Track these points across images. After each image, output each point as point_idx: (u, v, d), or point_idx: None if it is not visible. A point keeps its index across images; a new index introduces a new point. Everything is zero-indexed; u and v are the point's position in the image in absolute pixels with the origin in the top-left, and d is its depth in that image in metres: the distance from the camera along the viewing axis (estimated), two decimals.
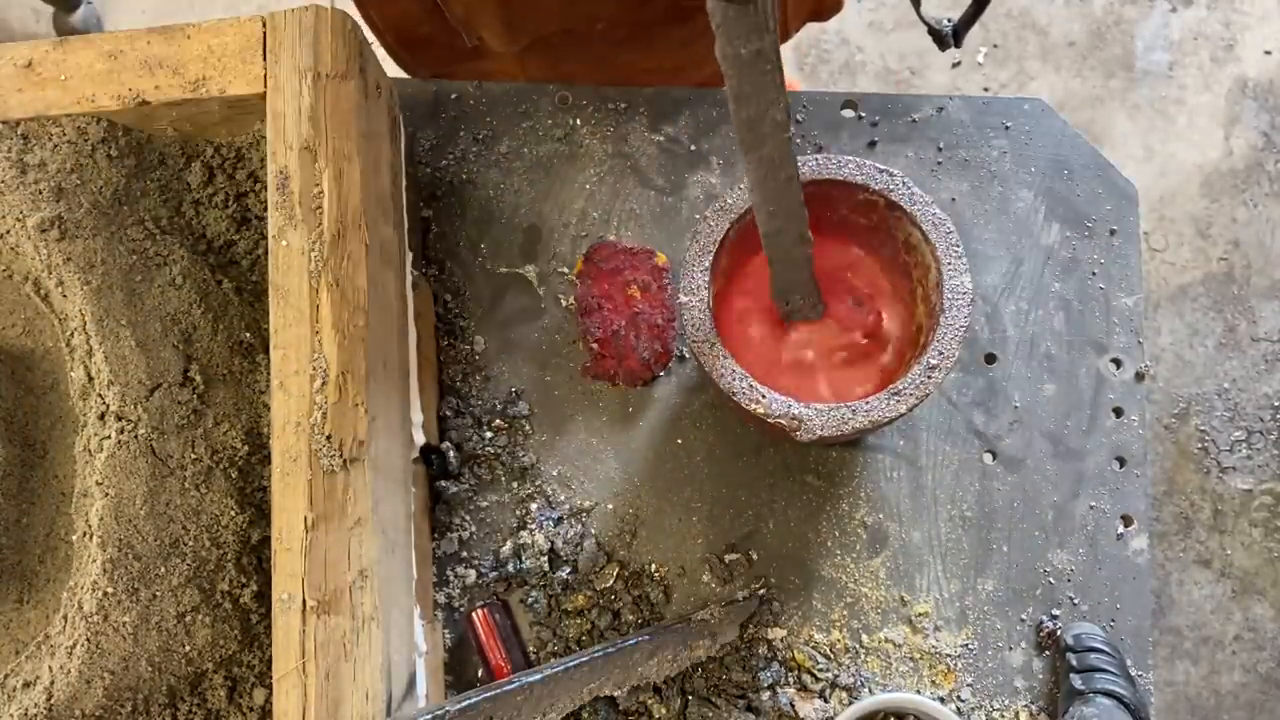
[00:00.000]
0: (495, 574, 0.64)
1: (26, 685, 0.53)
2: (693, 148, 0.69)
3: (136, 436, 0.53)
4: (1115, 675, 0.58)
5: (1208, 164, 1.52)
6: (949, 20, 0.61)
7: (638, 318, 0.64)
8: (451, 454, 0.64)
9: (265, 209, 0.54)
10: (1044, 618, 0.63)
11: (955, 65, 1.57)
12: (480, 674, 0.63)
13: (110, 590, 0.52)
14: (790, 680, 0.62)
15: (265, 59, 0.54)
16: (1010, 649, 0.63)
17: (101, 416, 0.54)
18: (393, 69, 0.71)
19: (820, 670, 0.62)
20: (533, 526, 0.64)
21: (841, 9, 0.81)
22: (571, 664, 0.57)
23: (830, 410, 0.51)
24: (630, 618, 0.63)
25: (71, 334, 0.55)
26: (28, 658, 0.54)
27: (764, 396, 0.52)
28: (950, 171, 0.68)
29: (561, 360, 0.67)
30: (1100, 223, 0.67)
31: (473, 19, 0.69)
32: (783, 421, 0.51)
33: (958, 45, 0.62)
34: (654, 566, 0.64)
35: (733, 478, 0.65)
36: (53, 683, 0.52)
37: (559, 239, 0.68)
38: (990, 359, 0.66)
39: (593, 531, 0.65)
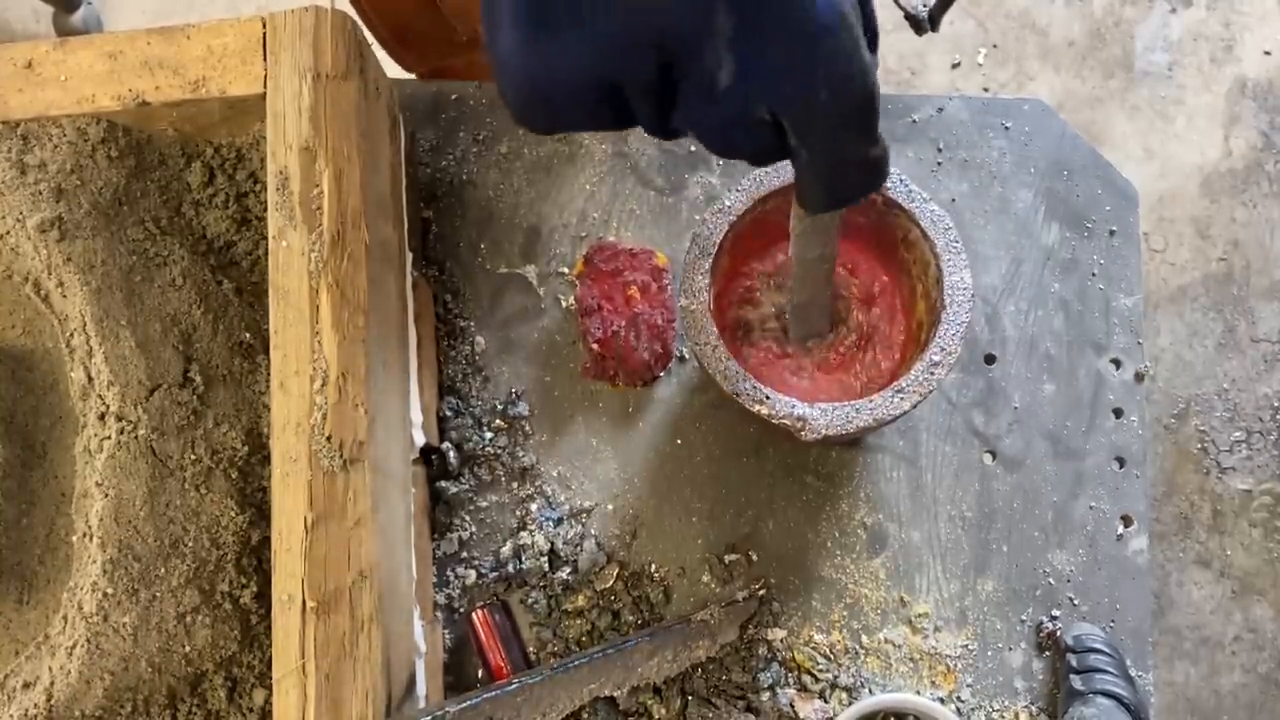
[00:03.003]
0: (495, 574, 0.64)
1: (26, 685, 0.53)
2: (692, 148, 0.69)
3: (136, 437, 0.53)
4: (1115, 676, 0.58)
5: (1207, 164, 1.52)
6: (924, 5, 0.61)
7: (638, 318, 0.64)
8: (451, 454, 0.64)
9: (265, 209, 0.54)
10: (1044, 618, 0.63)
11: (955, 66, 1.57)
12: (480, 674, 0.63)
13: (110, 591, 0.52)
14: (790, 681, 0.62)
15: (265, 59, 0.54)
16: (1010, 649, 0.63)
17: (101, 417, 0.54)
18: (392, 68, 0.71)
19: (820, 671, 0.62)
20: (533, 527, 0.64)
21: None
22: (571, 664, 0.57)
23: (834, 409, 0.51)
24: (630, 618, 0.63)
25: (71, 334, 0.55)
26: (28, 658, 0.54)
27: (767, 397, 0.52)
28: (950, 172, 0.68)
29: (561, 360, 0.67)
30: (1100, 223, 0.67)
31: (467, 11, 0.68)
32: (787, 422, 0.51)
33: (934, 30, 0.62)
34: (654, 567, 0.64)
35: (733, 478, 0.65)
36: (53, 683, 0.52)
37: (559, 239, 0.68)
38: (990, 359, 0.66)
39: (593, 532, 0.65)
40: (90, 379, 0.55)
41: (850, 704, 0.61)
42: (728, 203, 0.55)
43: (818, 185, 0.39)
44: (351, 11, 0.60)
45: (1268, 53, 1.55)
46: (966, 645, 0.63)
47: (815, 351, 0.59)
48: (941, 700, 0.62)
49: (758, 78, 0.33)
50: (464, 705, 0.53)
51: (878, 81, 0.35)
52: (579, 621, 0.63)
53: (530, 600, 0.63)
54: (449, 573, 0.64)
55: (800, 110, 0.34)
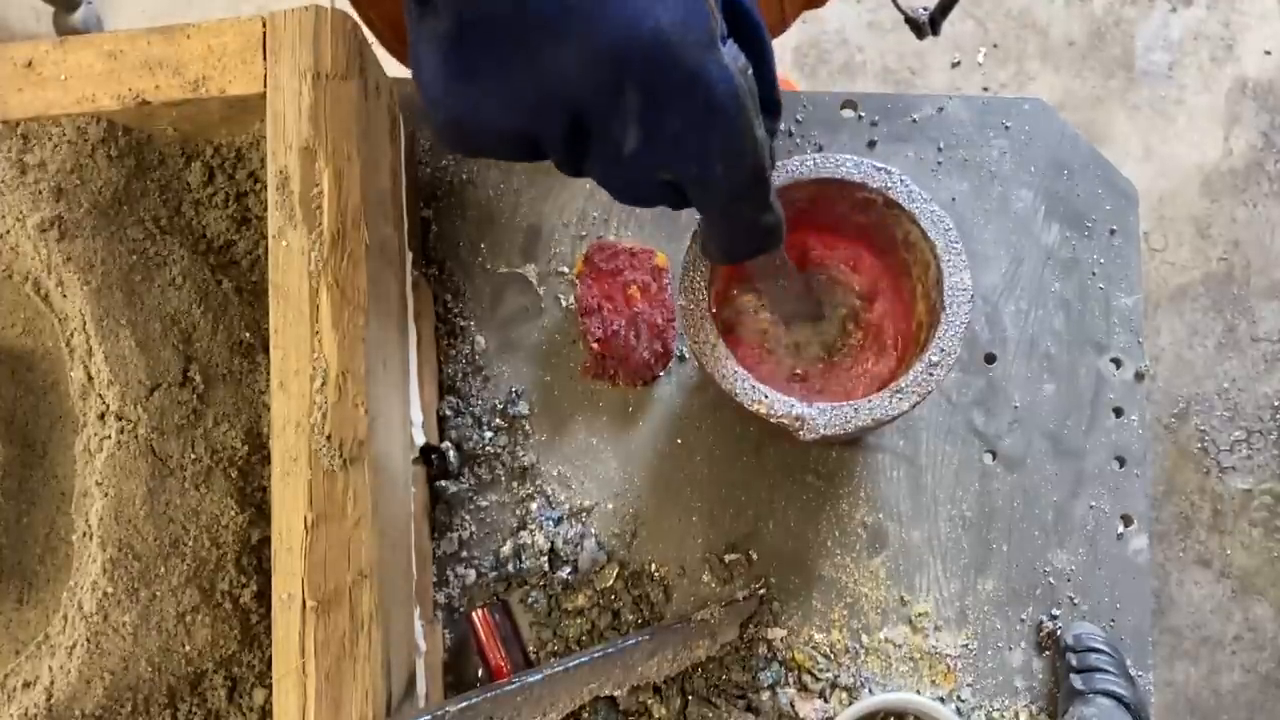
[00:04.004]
0: (495, 574, 0.64)
1: (26, 685, 0.53)
2: None
3: (136, 436, 0.53)
4: (1115, 675, 0.58)
5: (1208, 164, 1.52)
6: (924, 9, 0.62)
7: (638, 318, 0.64)
8: (451, 454, 0.64)
9: (265, 208, 0.54)
10: (1044, 618, 0.63)
11: (955, 65, 1.57)
12: (480, 674, 0.63)
13: (110, 590, 0.52)
14: (790, 680, 0.62)
15: (265, 59, 0.54)
16: (1010, 649, 0.63)
17: (101, 416, 0.54)
18: (392, 68, 0.71)
19: (820, 670, 0.62)
20: (533, 526, 0.64)
21: None
22: (571, 664, 0.57)
23: (833, 409, 0.51)
24: (630, 618, 0.63)
25: (71, 334, 0.55)
26: (28, 658, 0.54)
27: (766, 396, 0.52)
28: (950, 171, 0.68)
29: (561, 360, 0.67)
30: (1100, 223, 0.67)
31: None
32: (785, 421, 0.51)
33: (935, 34, 0.62)
34: (654, 566, 0.64)
35: (733, 478, 0.65)
36: (53, 683, 0.52)
37: (559, 239, 0.68)
38: (990, 359, 0.66)
39: (593, 531, 0.65)
40: (90, 378, 0.55)
41: (850, 703, 0.61)
42: None
43: (715, 243, 0.43)
44: (351, 11, 0.60)
45: (1268, 52, 1.55)
46: (966, 645, 0.63)
47: (816, 348, 0.59)
48: (942, 700, 0.62)
49: (660, 149, 0.36)
50: (464, 705, 0.53)
51: (769, 156, 0.38)
52: (579, 621, 0.63)
53: (530, 600, 0.63)
54: (449, 572, 0.64)
55: (697, 180, 0.38)
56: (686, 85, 0.34)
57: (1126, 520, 0.64)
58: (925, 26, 0.63)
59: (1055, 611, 0.63)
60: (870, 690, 0.62)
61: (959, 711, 0.62)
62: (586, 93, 0.35)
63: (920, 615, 0.63)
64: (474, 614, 0.62)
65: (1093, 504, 0.64)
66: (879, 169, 0.55)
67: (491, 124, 0.36)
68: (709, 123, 0.35)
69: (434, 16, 0.35)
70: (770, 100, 0.39)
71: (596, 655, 0.58)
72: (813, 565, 0.64)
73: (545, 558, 0.63)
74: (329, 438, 0.51)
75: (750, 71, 0.37)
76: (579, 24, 0.33)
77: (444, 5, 0.34)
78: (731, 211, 0.40)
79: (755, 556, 0.64)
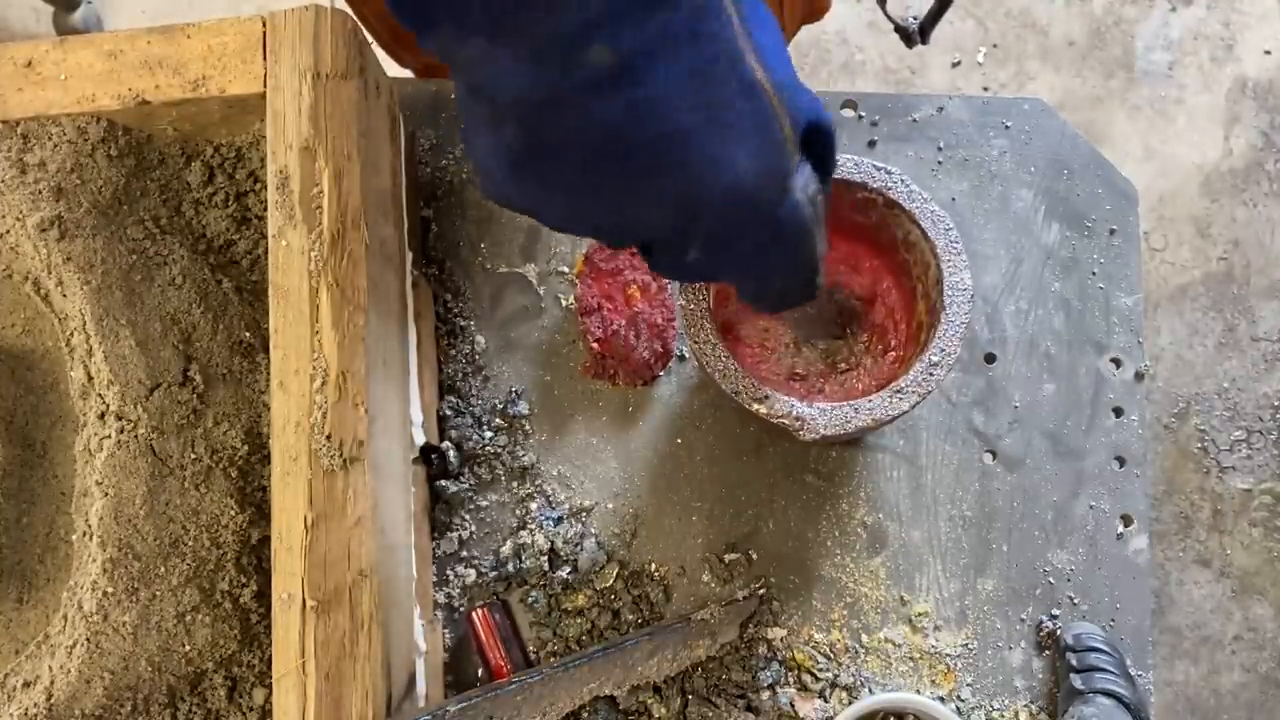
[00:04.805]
0: (495, 574, 0.64)
1: (26, 685, 0.53)
2: None
3: (136, 436, 0.53)
4: (1115, 675, 0.58)
5: (1208, 164, 1.52)
6: (914, 18, 0.62)
7: (638, 317, 0.64)
8: (451, 453, 0.64)
9: (265, 209, 0.54)
10: (1044, 617, 0.63)
11: (955, 65, 1.57)
12: (480, 674, 0.63)
13: (110, 590, 0.52)
14: (790, 680, 0.62)
15: (265, 59, 0.54)
16: (1010, 649, 0.63)
17: (101, 416, 0.54)
18: (392, 68, 0.71)
19: (820, 670, 0.62)
20: (533, 526, 0.64)
21: (830, 8, 0.82)
22: (571, 664, 0.57)
23: (833, 409, 0.51)
24: (630, 617, 0.63)
25: (71, 334, 0.55)
26: (28, 657, 0.54)
27: (766, 396, 0.52)
28: (950, 171, 0.68)
29: (561, 360, 0.67)
30: (1100, 222, 0.67)
31: None
32: (785, 421, 0.51)
33: (924, 42, 0.62)
34: (654, 566, 0.64)
35: (733, 477, 0.65)
36: (53, 682, 0.52)
37: (559, 239, 0.68)
38: (990, 359, 0.66)
39: (593, 531, 0.65)
40: (90, 378, 0.55)
41: (850, 703, 0.61)
42: None
43: (762, 304, 0.44)
44: (348, 10, 0.60)
45: (1268, 52, 1.55)
46: (966, 644, 0.63)
47: (821, 350, 0.59)
48: (941, 699, 0.62)
49: (720, 267, 0.37)
50: (464, 704, 0.53)
51: (824, 245, 0.39)
52: (579, 620, 0.63)
53: (530, 599, 0.63)
54: (449, 572, 0.64)
55: (753, 289, 0.40)
56: (755, 228, 0.35)
57: (1126, 520, 0.64)
58: (915, 35, 0.63)
59: (1055, 611, 0.63)
60: (870, 690, 0.62)
61: (959, 711, 0.62)
62: (655, 227, 0.35)
63: (920, 615, 0.63)
64: (474, 614, 0.62)
65: (1092, 504, 0.64)
66: (879, 169, 0.55)
67: (552, 220, 0.36)
68: (771, 252, 0.36)
69: (490, 107, 0.32)
70: (827, 170, 0.39)
71: (596, 655, 0.58)
72: (813, 565, 0.64)
73: (545, 557, 0.63)
74: (329, 437, 0.51)
75: (820, 197, 0.37)
76: (653, 167, 0.32)
77: (509, 114, 0.32)
78: (784, 297, 0.41)
79: (755, 556, 0.64)
